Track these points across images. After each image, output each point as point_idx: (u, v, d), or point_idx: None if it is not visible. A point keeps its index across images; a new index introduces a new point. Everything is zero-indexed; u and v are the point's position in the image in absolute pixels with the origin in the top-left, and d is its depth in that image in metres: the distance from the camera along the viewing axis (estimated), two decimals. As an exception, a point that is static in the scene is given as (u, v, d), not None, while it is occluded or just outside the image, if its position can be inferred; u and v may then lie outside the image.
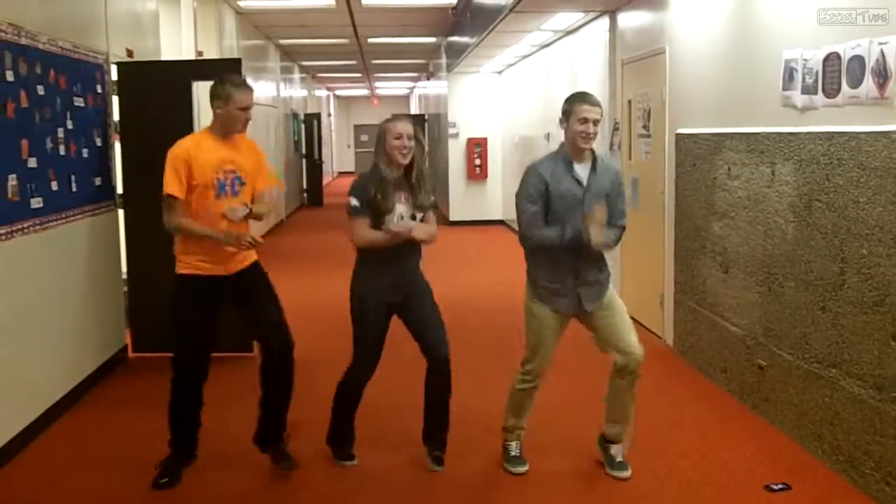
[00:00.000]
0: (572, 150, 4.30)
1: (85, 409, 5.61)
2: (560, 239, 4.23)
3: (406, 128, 4.31)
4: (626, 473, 4.46)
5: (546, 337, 4.39)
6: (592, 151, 4.36)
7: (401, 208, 4.32)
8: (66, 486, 4.46)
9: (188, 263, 4.36)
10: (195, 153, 4.29)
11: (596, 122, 4.23)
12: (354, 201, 4.32)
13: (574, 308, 4.36)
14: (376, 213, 4.29)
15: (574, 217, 4.24)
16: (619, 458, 4.51)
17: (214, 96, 4.35)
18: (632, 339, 4.37)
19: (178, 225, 4.30)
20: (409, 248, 4.36)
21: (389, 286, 4.37)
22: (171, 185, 4.26)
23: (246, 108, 4.36)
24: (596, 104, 4.26)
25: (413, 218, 4.35)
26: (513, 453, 4.55)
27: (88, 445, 5.01)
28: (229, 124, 4.38)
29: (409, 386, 4.63)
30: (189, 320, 4.39)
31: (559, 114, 4.38)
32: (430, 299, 4.49)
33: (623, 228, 4.45)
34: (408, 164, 4.34)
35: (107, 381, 6.14)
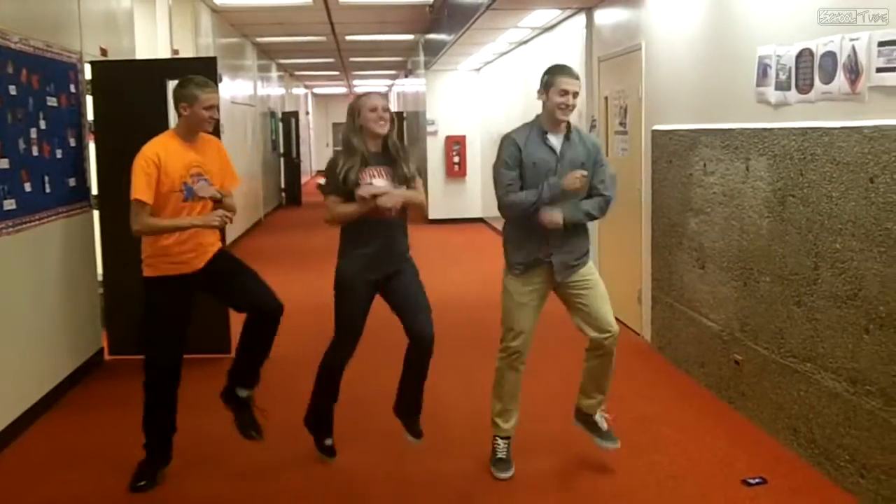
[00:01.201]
0: (549, 120, 4.34)
1: (61, 412, 5.57)
2: (537, 197, 4.24)
3: (381, 101, 4.37)
4: (617, 444, 4.51)
5: (517, 310, 4.38)
6: (568, 123, 4.38)
7: (379, 182, 4.30)
8: (42, 490, 4.43)
9: (156, 266, 4.36)
10: (164, 157, 4.27)
11: (575, 95, 4.27)
12: (322, 180, 4.40)
13: (546, 278, 4.36)
14: (347, 188, 4.28)
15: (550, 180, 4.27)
16: (605, 426, 4.54)
17: (179, 98, 4.33)
18: (608, 316, 4.38)
19: (148, 225, 4.26)
20: (389, 224, 4.31)
21: (371, 262, 4.33)
22: (141, 190, 4.22)
23: (211, 108, 4.34)
24: (576, 77, 4.31)
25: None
26: (499, 455, 4.51)
27: (64, 449, 4.97)
28: (195, 125, 4.37)
29: (393, 385, 4.62)
30: (164, 323, 4.36)
31: (537, 111, 4.40)
32: (417, 280, 4.46)
33: (606, 199, 4.40)
34: (384, 138, 4.35)
35: (83, 384, 6.10)
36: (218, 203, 4.39)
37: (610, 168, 4.47)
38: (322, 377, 4.52)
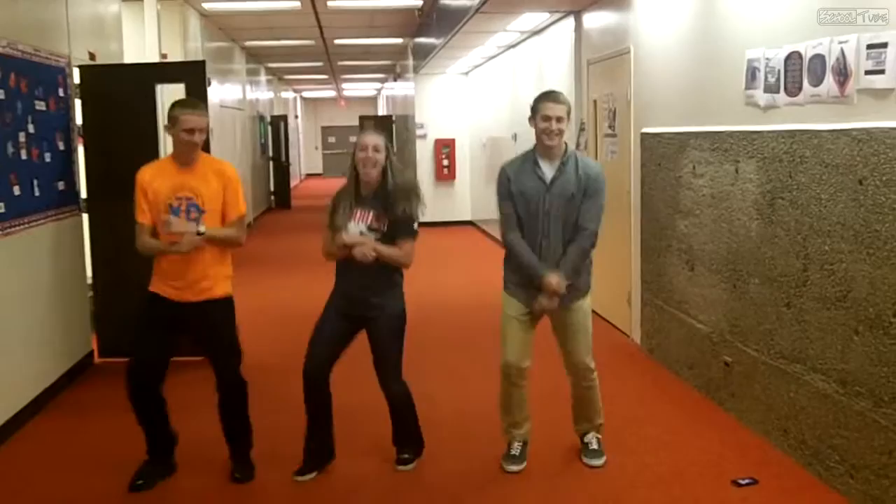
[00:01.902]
0: (540, 147, 4.36)
1: (51, 415, 5.55)
2: (523, 265, 4.33)
3: (372, 139, 4.26)
4: (598, 462, 4.54)
5: (509, 326, 4.44)
6: (566, 150, 4.38)
7: (357, 229, 4.26)
8: (31, 493, 4.41)
9: (154, 284, 4.36)
10: (150, 179, 4.28)
11: (559, 120, 4.27)
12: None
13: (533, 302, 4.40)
14: (333, 227, 4.31)
15: (538, 216, 4.31)
16: (593, 445, 4.59)
17: (167, 118, 4.31)
18: (580, 360, 4.48)
19: (142, 245, 4.30)
20: (362, 270, 4.25)
21: (342, 295, 4.39)
22: (137, 210, 4.29)
23: (191, 131, 4.21)
24: (560, 102, 4.31)
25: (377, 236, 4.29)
26: (512, 452, 4.55)
27: (54, 452, 4.96)
28: (180, 147, 4.29)
29: (379, 391, 4.62)
30: (139, 335, 4.36)
31: (526, 114, 4.44)
32: (388, 336, 4.39)
33: (589, 235, 4.36)
34: (383, 179, 4.28)
35: (73, 387, 6.08)
36: (199, 236, 4.21)
37: (601, 199, 4.39)
38: (304, 392, 4.50)
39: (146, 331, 4.34)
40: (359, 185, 4.31)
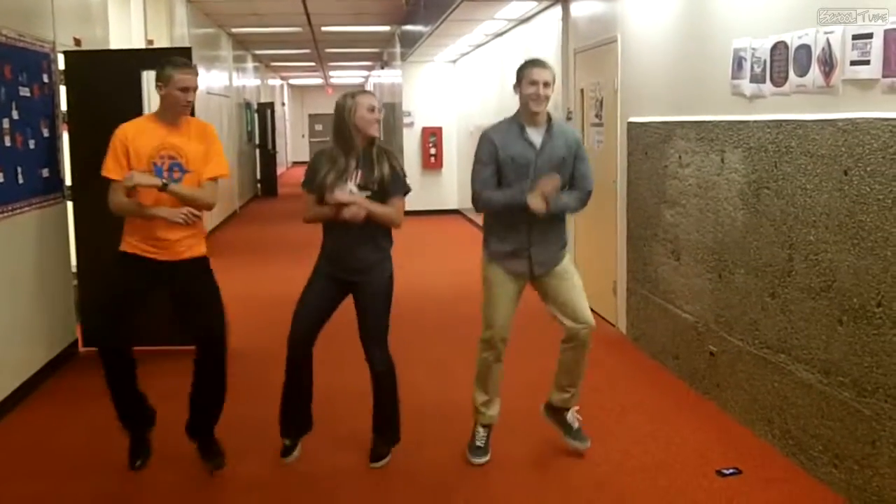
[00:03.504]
0: (525, 114, 4.36)
1: (35, 404, 5.53)
2: (511, 198, 4.26)
3: (374, 100, 4.30)
4: (587, 444, 4.54)
5: (497, 299, 4.42)
6: (549, 117, 4.39)
7: (349, 189, 4.25)
8: (14, 483, 4.40)
9: (130, 243, 4.30)
10: (133, 136, 4.23)
11: (546, 84, 4.27)
12: (304, 177, 4.36)
13: (525, 270, 4.39)
14: (322, 189, 4.26)
15: (526, 180, 4.29)
16: (576, 425, 4.59)
17: (157, 78, 4.27)
18: (584, 308, 4.42)
19: (117, 204, 4.22)
20: (350, 230, 4.25)
21: (330, 260, 4.36)
22: (108, 167, 4.23)
23: (186, 90, 4.24)
24: (546, 67, 4.32)
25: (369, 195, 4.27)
26: (477, 442, 4.54)
27: (38, 441, 4.94)
28: (171, 106, 4.28)
29: (363, 379, 4.61)
30: (113, 294, 4.32)
31: (515, 104, 4.42)
32: (375, 303, 4.38)
33: (587, 192, 4.44)
34: (370, 140, 4.30)
35: (57, 377, 6.05)
36: (162, 189, 4.17)
37: (588, 161, 4.48)
38: (285, 377, 4.48)
39: (120, 290, 4.30)
40: (353, 144, 4.26)
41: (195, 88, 4.32)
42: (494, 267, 4.43)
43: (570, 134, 4.48)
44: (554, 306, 4.44)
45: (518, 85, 4.35)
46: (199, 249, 4.40)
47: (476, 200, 4.40)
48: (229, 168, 4.52)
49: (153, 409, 4.54)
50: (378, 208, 4.26)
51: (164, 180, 4.18)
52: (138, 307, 4.35)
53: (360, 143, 4.28)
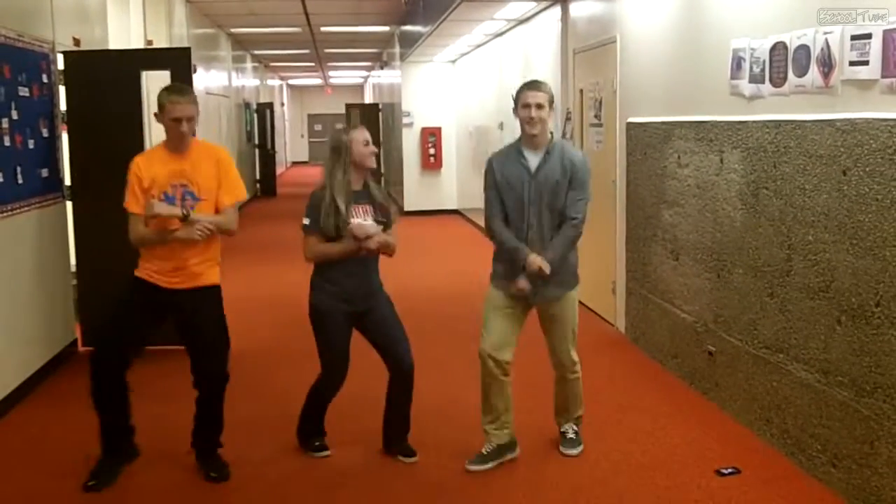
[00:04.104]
0: (524, 137, 4.38)
1: (34, 404, 5.53)
2: (512, 255, 4.33)
3: (367, 133, 4.36)
4: (574, 451, 4.56)
5: (491, 315, 4.43)
6: (552, 139, 4.41)
7: (368, 221, 4.28)
8: (11, 482, 4.40)
9: (146, 270, 4.28)
10: (145, 167, 4.20)
11: (539, 107, 4.27)
12: (305, 220, 4.32)
13: (522, 296, 4.39)
14: (330, 229, 4.25)
15: (523, 204, 4.31)
16: (569, 435, 4.61)
17: (157, 106, 4.24)
18: (564, 352, 4.50)
19: (137, 235, 4.21)
20: (363, 262, 4.34)
21: (347, 296, 4.35)
22: (127, 199, 4.22)
23: (178, 121, 4.14)
24: (539, 90, 4.32)
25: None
26: (482, 450, 4.49)
27: (37, 440, 4.94)
28: (171, 136, 4.24)
29: (371, 381, 4.62)
30: (119, 315, 4.31)
31: (512, 103, 4.43)
32: (392, 312, 4.50)
33: (575, 224, 4.36)
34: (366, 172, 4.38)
35: (56, 376, 6.05)
36: (184, 220, 4.15)
37: (587, 188, 4.39)
38: (311, 401, 4.54)
39: (127, 313, 4.29)
40: (349, 182, 4.29)
41: (189, 118, 4.18)
42: (493, 289, 4.48)
43: (569, 157, 4.37)
44: (544, 332, 4.55)
45: (515, 109, 4.38)
46: (213, 277, 4.36)
47: (487, 226, 4.50)
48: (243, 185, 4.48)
49: (137, 448, 4.48)
50: (390, 240, 4.38)
51: (184, 210, 4.16)
52: (143, 333, 4.34)
53: (359, 180, 4.34)
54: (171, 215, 4.14)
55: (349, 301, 4.35)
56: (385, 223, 4.36)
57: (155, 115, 4.26)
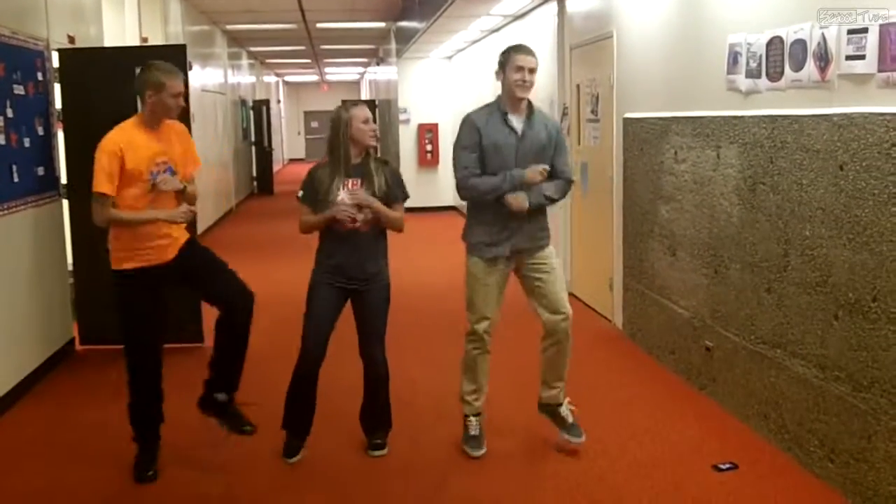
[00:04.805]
0: (509, 100, 4.38)
1: (31, 403, 5.52)
2: (498, 186, 4.29)
3: (368, 112, 4.39)
4: (582, 439, 4.53)
5: (480, 291, 4.43)
6: (530, 104, 4.41)
7: (344, 195, 4.30)
8: (14, 480, 4.40)
9: (127, 259, 4.26)
10: (127, 147, 4.16)
11: (532, 71, 4.30)
12: (299, 192, 4.41)
13: (504, 253, 4.39)
14: (317, 199, 4.31)
15: (509, 167, 4.31)
16: (570, 419, 4.58)
17: (144, 84, 4.22)
18: (562, 299, 4.45)
19: (112, 218, 4.18)
20: (356, 240, 4.34)
21: (336, 271, 4.37)
22: (102, 183, 4.12)
23: (178, 95, 4.26)
24: (531, 53, 4.34)
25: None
26: (472, 432, 4.55)
27: (36, 438, 4.94)
28: (162, 113, 4.28)
29: (355, 373, 4.61)
30: (136, 315, 4.30)
31: (497, 66, 4.45)
32: (380, 305, 4.46)
33: (568, 181, 4.49)
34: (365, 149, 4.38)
35: (54, 375, 6.05)
36: (180, 193, 4.33)
37: (568, 150, 4.51)
38: (293, 386, 4.50)
39: (140, 309, 4.30)
40: (347, 157, 4.32)
41: (185, 93, 4.40)
42: (475, 258, 4.45)
43: (550, 121, 4.51)
44: (533, 298, 4.49)
45: (502, 70, 4.36)
46: (186, 234, 4.49)
47: (461, 187, 4.43)
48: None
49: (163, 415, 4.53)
50: (387, 211, 4.36)
51: (182, 184, 4.35)
52: (162, 318, 4.41)
53: (357, 155, 4.35)
54: (174, 188, 4.31)
55: (341, 274, 4.36)
56: (385, 200, 4.35)
57: (148, 94, 4.22)
